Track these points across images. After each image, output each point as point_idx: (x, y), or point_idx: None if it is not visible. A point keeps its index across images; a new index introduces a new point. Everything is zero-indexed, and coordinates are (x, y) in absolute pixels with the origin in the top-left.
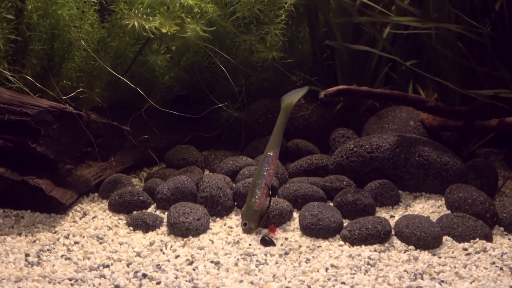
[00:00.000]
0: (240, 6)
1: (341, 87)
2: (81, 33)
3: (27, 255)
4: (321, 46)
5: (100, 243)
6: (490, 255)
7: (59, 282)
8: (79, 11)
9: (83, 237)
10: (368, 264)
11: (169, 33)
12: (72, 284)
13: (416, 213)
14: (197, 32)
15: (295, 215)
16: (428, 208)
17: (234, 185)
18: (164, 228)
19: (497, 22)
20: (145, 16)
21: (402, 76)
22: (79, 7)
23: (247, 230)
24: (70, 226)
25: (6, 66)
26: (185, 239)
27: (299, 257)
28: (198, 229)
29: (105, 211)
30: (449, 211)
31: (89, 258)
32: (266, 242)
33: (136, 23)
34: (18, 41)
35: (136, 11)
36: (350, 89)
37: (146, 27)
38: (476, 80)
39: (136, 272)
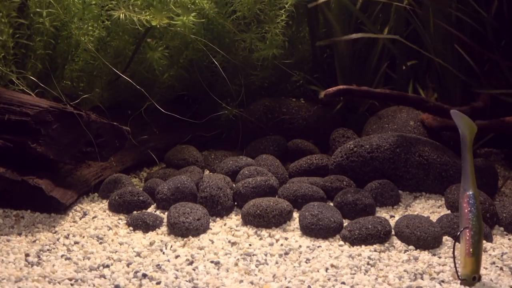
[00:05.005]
0: (240, 5)
1: (341, 87)
2: (92, 36)
3: (27, 255)
4: (321, 46)
5: (100, 243)
6: (490, 255)
7: (59, 282)
8: (97, 13)
9: (83, 237)
10: (368, 264)
11: (158, 26)
12: (72, 284)
13: (416, 213)
14: (186, 23)
15: (295, 215)
16: (428, 208)
17: (234, 185)
18: (164, 228)
19: (498, 14)
20: (136, 9)
21: (402, 76)
22: (98, 10)
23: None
24: (70, 226)
25: (14, 69)
26: (185, 239)
27: (299, 257)
28: (198, 229)
29: (105, 211)
30: (449, 211)
31: (89, 258)
32: None
33: (122, 15)
34: (21, 42)
35: (126, 4)
36: (350, 89)
37: (135, 19)
38: (477, 78)
39: (136, 272)
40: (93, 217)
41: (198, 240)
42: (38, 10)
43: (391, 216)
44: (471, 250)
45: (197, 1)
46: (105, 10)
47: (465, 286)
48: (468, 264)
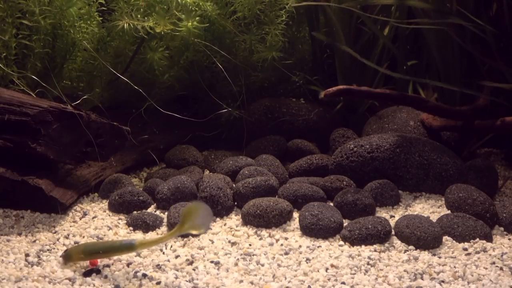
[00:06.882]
0: (240, 6)
1: (341, 87)
2: (86, 33)
3: (27, 255)
4: (321, 46)
5: None
6: (490, 255)
7: (59, 282)
8: (87, 10)
9: (83, 237)
10: (368, 264)
11: (162, 33)
12: (72, 284)
13: (416, 213)
14: (189, 28)
15: (295, 215)
16: (428, 208)
17: (234, 185)
18: (164, 228)
19: (497, 17)
20: (138, 16)
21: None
22: (87, 7)
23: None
24: (70, 226)
25: (15, 69)
26: (185, 239)
27: (299, 257)
28: None
29: (105, 211)
30: (449, 211)
31: None
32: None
33: (126, 25)
34: (21, 42)
35: (130, 11)
36: (350, 89)
37: (139, 27)
38: (478, 78)
39: (136, 272)
40: (93, 217)
41: (198, 240)
42: (32, 8)
43: (391, 216)
44: None
45: (200, 3)
46: (95, 7)
47: None
48: None
